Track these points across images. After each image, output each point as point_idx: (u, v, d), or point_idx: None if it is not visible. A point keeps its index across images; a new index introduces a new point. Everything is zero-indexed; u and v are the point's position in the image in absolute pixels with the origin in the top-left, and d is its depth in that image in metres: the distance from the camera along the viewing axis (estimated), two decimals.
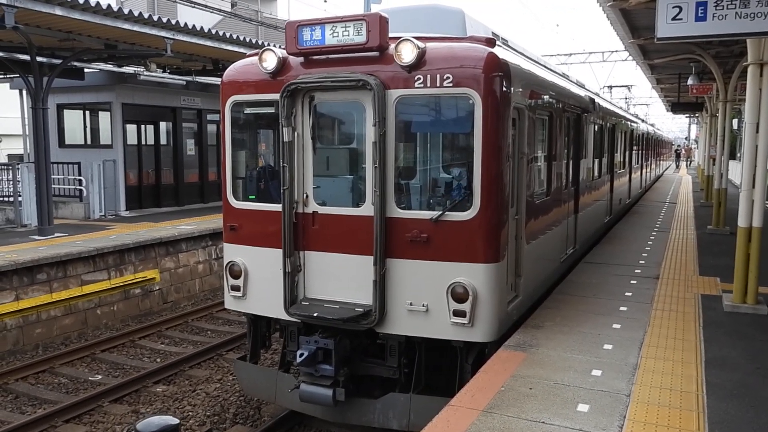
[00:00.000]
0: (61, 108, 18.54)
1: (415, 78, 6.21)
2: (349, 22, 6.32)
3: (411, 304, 6.41)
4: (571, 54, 35.86)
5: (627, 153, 18.22)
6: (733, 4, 6.07)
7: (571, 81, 11.44)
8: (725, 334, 6.98)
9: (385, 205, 6.42)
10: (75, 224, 15.77)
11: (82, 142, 18.78)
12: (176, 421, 1.73)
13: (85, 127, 18.86)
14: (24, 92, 18.37)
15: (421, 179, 6.89)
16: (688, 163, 56.56)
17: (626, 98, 43.86)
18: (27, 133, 19.21)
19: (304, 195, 6.92)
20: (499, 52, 6.42)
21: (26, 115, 18.82)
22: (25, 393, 9.11)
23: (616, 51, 33.19)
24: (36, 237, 13.56)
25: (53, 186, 15.34)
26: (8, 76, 18.26)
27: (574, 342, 6.61)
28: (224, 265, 7.47)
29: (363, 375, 6.99)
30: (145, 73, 16.64)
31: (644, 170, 24.80)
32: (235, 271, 7.35)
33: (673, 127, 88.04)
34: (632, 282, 9.39)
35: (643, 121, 28.28)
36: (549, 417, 4.85)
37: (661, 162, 42.50)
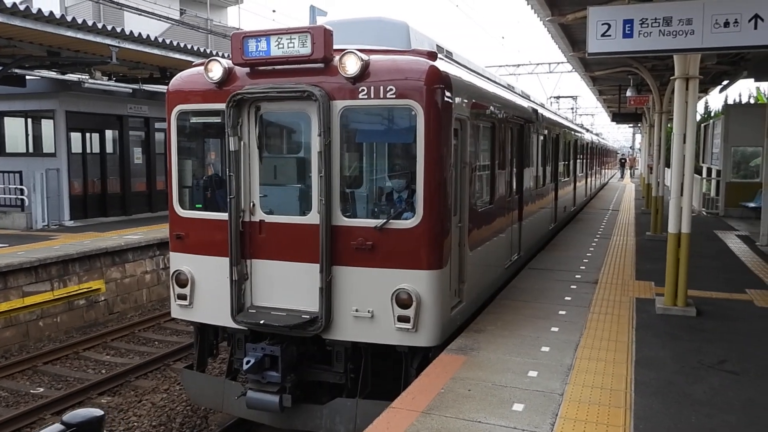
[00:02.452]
0: (1, 115, 18.08)
1: (360, 89, 6.35)
2: (294, 34, 6.44)
3: (357, 310, 6.53)
4: (519, 65, 36.74)
5: (571, 162, 18.72)
6: (656, 23, 6.44)
7: (516, 92, 11.77)
8: (655, 335, 7.32)
9: (331, 213, 6.54)
10: (16, 235, 15.35)
11: (24, 151, 18.32)
12: (101, 412, 1.83)
13: (27, 135, 18.40)
14: None
15: (366, 188, 7.04)
16: (632, 172, 58.33)
17: (572, 108, 45.09)
18: None
19: (251, 204, 6.99)
20: (441, 64, 6.61)
21: None
22: None
23: (562, 63, 34.15)
24: None
25: None
26: None
27: (513, 345, 6.84)
28: (170, 274, 7.47)
29: (311, 381, 7.07)
30: (90, 81, 16.37)
31: (589, 179, 25.48)
32: (181, 280, 7.37)
33: (619, 136, 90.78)
34: (572, 287, 9.72)
35: (587, 130, 29.07)
36: (485, 416, 5.04)
37: (606, 171, 43.70)
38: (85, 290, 12.74)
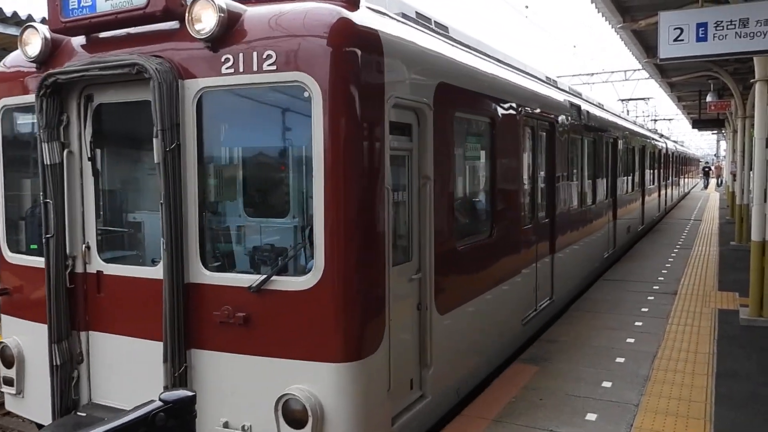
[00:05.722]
0: None
1: (223, 59, 4.09)
2: None
3: (226, 424, 4.22)
4: (592, 74, 35.93)
5: (638, 173, 16.49)
6: (732, 25, 6.26)
7: (560, 88, 9.61)
8: (739, 346, 7.06)
9: (183, 263, 4.23)
10: None
11: None
12: (193, 392, 1.99)
13: None
14: None
15: (239, 223, 4.68)
16: (719, 181, 55.44)
17: (649, 115, 43.32)
18: None
19: (84, 246, 4.73)
20: (368, 17, 4.27)
21: None
22: None
23: (638, 69, 33.20)
24: None
25: None
26: None
27: (586, 355, 6.75)
28: None
29: None
30: None
31: (664, 191, 22.99)
32: (6, 357, 5.08)
33: (702, 143, 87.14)
34: (649, 298, 9.47)
35: (662, 136, 27.45)
36: (557, 425, 5.01)
37: (687, 180, 41.74)
38: None
